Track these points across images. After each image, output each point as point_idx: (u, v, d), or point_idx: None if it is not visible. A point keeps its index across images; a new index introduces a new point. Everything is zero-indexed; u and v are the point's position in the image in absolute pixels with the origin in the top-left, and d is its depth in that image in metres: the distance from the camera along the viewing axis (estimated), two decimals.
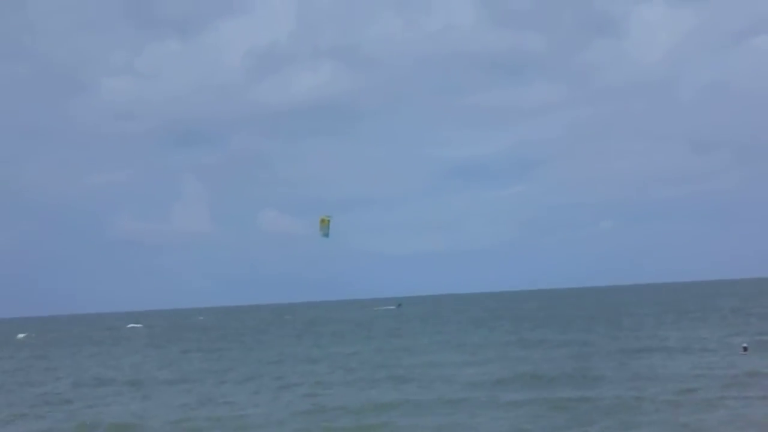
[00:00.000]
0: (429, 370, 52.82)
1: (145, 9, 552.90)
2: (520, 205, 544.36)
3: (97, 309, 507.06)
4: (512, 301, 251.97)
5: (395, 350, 71.23)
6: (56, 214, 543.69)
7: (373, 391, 44.40)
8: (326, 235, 54.86)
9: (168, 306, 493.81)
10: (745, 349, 53.65)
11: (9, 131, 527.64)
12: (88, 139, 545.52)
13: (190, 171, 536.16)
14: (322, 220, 55.04)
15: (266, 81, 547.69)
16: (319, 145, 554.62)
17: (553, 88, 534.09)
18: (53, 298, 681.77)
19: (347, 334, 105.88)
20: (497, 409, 36.30)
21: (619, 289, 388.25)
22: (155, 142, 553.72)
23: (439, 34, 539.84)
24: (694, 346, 60.30)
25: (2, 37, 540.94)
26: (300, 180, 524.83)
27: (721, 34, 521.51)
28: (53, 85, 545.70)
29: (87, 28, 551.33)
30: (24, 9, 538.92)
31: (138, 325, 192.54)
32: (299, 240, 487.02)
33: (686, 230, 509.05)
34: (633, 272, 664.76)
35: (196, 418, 37.65)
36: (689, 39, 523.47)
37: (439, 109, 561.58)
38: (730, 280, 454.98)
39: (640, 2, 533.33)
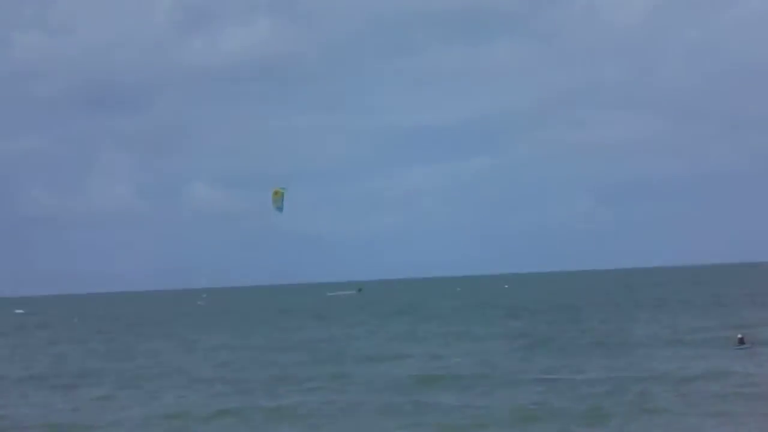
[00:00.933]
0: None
1: None
2: (483, 180, 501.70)
3: None
4: (483, 287, 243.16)
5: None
6: None
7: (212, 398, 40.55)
8: (280, 209, 50.80)
9: (83, 291, 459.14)
10: (742, 341, 49.04)
11: None
12: None
13: (109, 138, 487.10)
14: (275, 192, 50.92)
15: (195, 37, 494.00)
16: (255, 112, 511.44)
17: (522, 48, 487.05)
18: None
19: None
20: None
21: (595, 275, 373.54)
22: (69, 105, 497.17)
23: None
24: (686, 338, 55.82)
25: None
26: (233, 150, 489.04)
27: None
28: None
29: None
30: None
31: (20, 311, 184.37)
32: (233, 217, 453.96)
33: (678, 209, 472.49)
34: (613, 257, 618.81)
35: None
36: None
37: (392, 72, 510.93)
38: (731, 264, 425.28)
39: None
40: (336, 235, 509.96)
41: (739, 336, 50.60)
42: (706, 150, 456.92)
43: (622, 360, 46.22)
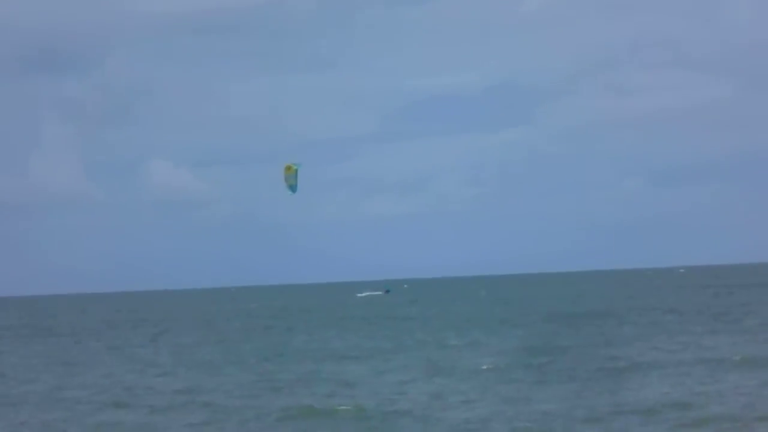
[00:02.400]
0: None
1: None
2: (513, 155, 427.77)
3: None
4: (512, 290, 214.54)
5: None
6: None
7: None
8: (293, 187, 44.17)
9: (12, 293, 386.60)
10: None
11: None
12: None
13: (51, 107, 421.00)
14: (288, 168, 44.82)
15: None
16: (228, 73, 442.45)
17: None
18: None
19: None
20: None
21: (648, 273, 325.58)
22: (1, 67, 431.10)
23: None
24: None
25: None
26: (201, 121, 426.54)
27: None
28: None
29: None
30: None
31: None
32: (201, 203, 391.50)
33: (747, 194, 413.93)
34: (668, 252, 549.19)
35: None
36: None
37: (398, 21, 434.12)
38: None
39: None
40: (329, 225, 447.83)
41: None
42: None
43: None
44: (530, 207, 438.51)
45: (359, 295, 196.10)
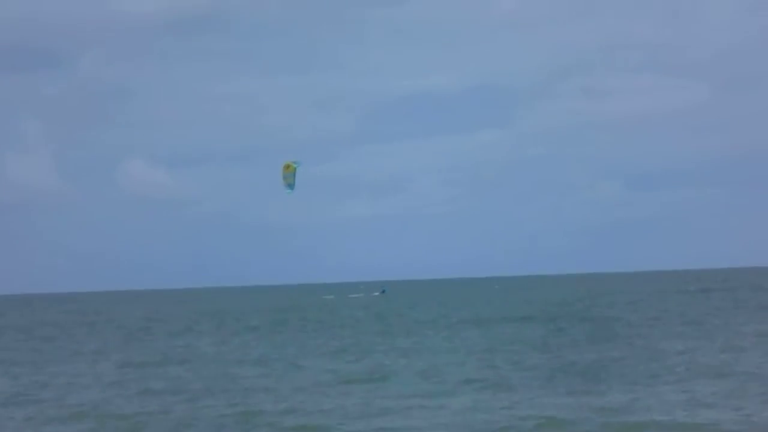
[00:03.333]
0: None
1: None
2: (489, 156, 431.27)
3: None
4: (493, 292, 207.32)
5: None
6: None
7: None
8: (291, 185, 45.73)
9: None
10: None
11: None
12: None
13: (25, 105, 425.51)
14: (287, 167, 46.39)
15: None
16: (205, 71, 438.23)
17: None
18: None
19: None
20: None
21: (623, 277, 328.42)
22: None
23: None
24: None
25: None
26: (178, 120, 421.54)
27: None
28: None
29: None
30: None
31: None
32: (179, 203, 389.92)
33: (731, 197, 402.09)
34: (651, 255, 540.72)
35: None
36: None
37: (371, 21, 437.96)
38: None
39: None
40: (306, 227, 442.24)
41: None
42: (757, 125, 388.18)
43: None
44: (506, 209, 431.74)
45: (352, 295, 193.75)
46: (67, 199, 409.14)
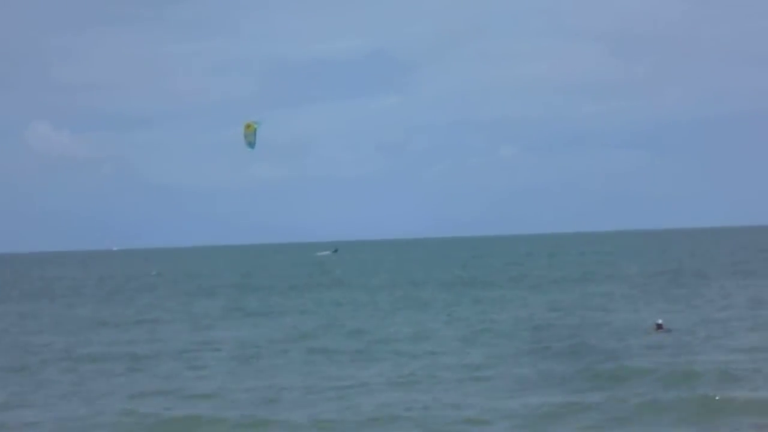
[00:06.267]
0: None
1: None
2: (387, 124, 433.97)
3: None
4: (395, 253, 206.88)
5: None
6: None
7: None
8: (251, 144, 51.05)
9: None
10: (659, 326, 49.70)
11: None
12: None
13: None
14: (248, 126, 51.33)
15: None
16: (112, 36, 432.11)
17: None
18: None
19: None
20: None
21: (520, 240, 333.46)
22: None
23: None
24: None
25: None
26: (84, 84, 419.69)
27: None
28: None
29: None
30: None
31: None
32: (84, 166, 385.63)
33: (615, 159, 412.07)
34: (542, 219, 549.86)
35: None
36: None
37: None
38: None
39: None
40: (208, 189, 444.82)
41: (659, 322, 50.46)
42: (660, 90, 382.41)
43: None
44: (408, 173, 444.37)
45: (318, 254, 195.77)
46: None
